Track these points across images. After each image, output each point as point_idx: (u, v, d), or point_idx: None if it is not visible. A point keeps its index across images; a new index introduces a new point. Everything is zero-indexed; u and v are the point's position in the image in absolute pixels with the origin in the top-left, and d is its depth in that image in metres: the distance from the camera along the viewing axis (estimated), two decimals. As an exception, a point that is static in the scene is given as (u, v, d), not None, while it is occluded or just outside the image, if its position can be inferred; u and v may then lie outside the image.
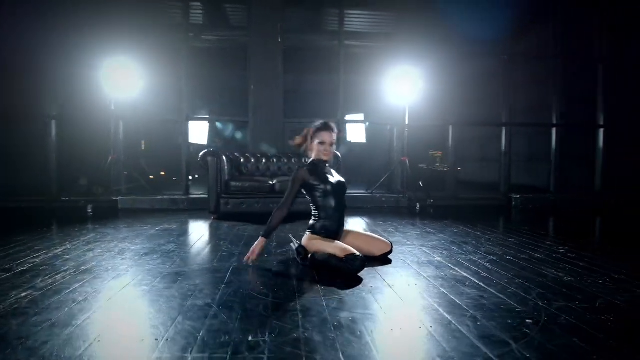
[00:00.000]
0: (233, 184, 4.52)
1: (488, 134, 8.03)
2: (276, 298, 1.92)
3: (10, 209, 5.11)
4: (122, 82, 5.24)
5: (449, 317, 1.69)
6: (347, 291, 2.02)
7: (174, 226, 4.04)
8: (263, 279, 2.26)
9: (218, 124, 5.79)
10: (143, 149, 7.31)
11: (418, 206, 5.10)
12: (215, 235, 3.56)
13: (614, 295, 1.99)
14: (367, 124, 7.77)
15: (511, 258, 2.76)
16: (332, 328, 1.57)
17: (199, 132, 9.92)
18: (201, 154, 4.55)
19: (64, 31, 5.41)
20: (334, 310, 1.77)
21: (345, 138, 10.09)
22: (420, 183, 5.72)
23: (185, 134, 5.70)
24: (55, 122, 5.65)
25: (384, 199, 5.71)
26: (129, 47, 5.51)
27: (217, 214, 4.56)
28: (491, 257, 2.80)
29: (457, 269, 2.52)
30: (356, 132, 10.14)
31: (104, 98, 5.38)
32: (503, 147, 6.28)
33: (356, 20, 6.12)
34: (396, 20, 6.09)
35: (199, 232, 3.71)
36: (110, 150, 5.39)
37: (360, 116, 9.15)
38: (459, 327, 1.59)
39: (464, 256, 2.84)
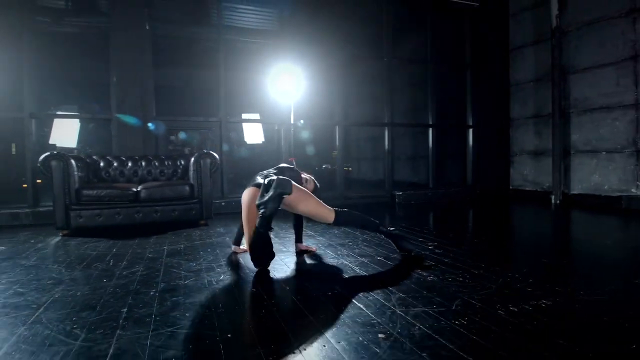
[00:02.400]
0: (85, 192, 3.82)
1: (381, 134, 8.36)
2: (86, 341, 1.49)
3: None
4: None
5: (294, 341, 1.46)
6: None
7: (3, 247, 3.24)
8: (79, 314, 1.78)
9: (150, 125, 4.92)
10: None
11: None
12: (49, 257, 2.90)
13: (471, 294, 1.97)
14: (254, 123, 7.45)
15: (382, 259, 2.68)
16: None
17: (66, 133, 8.55)
18: (42, 157, 3.75)
19: None
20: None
21: (243, 138, 9.67)
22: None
23: (30, 134, 4.72)
24: None
25: (271, 202, 5.45)
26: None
27: (67, 229, 3.81)
28: (363, 259, 2.69)
29: (324, 275, 2.34)
30: (253, 133, 9.80)
31: None
32: (386, 146, 6.48)
33: (237, 14, 5.75)
34: (279, 19, 5.87)
35: (29, 255, 2.99)
36: None
37: (256, 115, 8.82)
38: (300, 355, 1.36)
39: (336, 260, 2.69)
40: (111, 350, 1.41)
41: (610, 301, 1.85)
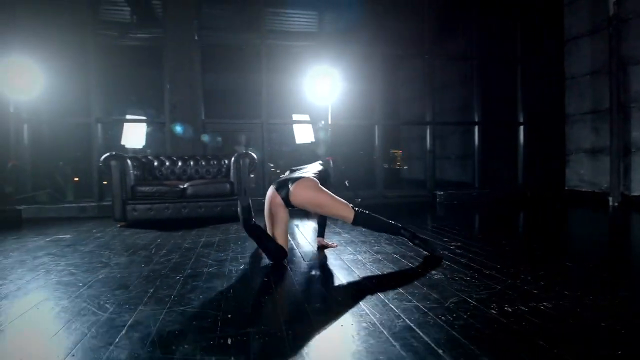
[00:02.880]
0: (139, 188, 4.28)
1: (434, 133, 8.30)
2: (113, 313, 1.77)
3: None
4: (25, 83, 4.84)
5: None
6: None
7: (69, 236, 3.76)
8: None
9: (178, 128, 5.46)
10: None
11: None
12: (103, 245, 3.32)
13: (471, 293, 1.99)
14: (295, 124, 7.65)
15: (397, 256, 2.74)
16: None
17: (135, 135, 9.44)
18: (103, 157, 4.28)
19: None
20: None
21: (289, 138, 9.99)
22: (347, 182, 5.70)
23: (96, 137, 5.35)
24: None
25: (309, 200, 5.65)
26: (30, 45, 5.11)
27: (124, 221, 4.30)
28: (378, 255, 2.77)
29: (335, 269, 2.46)
30: (304, 133, 10.06)
31: (3, 100, 4.94)
32: (428, 145, 6.40)
33: (278, 18, 6.02)
34: (320, 21, 6.04)
35: (88, 243, 3.45)
36: (10, 156, 4.95)
37: (305, 116, 9.07)
38: None
39: (352, 256, 2.79)
40: (130, 322, 1.66)
41: (616, 307, 1.78)
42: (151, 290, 2.08)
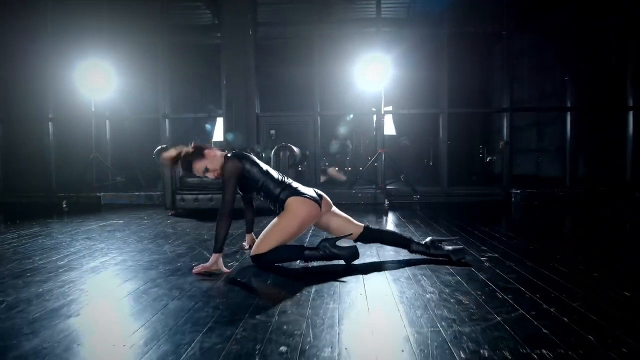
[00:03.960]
0: (186, 179, 4.48)
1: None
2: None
3: (11, 203, 5.56)
4: (104, 83, 5.45)
5: None
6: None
7: (121, 221, 4.09)
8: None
9: (229, 136, 5.76)
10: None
11: (387, 203, 4.67)
12: (139, 232, 3.52)
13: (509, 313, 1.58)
14: (351, 115, 7.21)
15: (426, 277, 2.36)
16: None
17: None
18: (157, 149, 4.56)
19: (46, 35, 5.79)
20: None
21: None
22: (402, 177, 5.26)
23: (164, 130, 5.78)
24: (52, 123, 6.05)
25: (360, 195, 5.35)
26: (108, 49, 5.73)
27: (174, 209, 4.56)
28: (391, 252, 2.42)
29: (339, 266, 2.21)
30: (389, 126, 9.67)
31: (87, 99, 5.63)
32: (505, 136, 5.56)
33: (334, 7, 5.77)
34: (376, 3, 5.62)
35: (133, 227, 3.70)
36: (92, 149, 5.62)
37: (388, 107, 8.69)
38: None
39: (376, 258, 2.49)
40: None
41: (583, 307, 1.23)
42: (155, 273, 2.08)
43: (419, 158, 6.63)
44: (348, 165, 6.73)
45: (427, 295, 1.81)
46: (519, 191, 5.26)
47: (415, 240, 2.52)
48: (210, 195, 4.48)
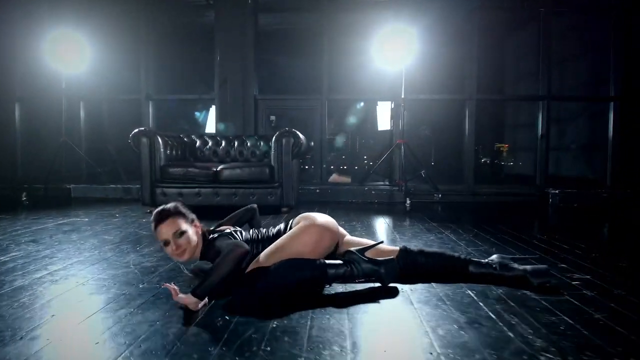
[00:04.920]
0: (169, 170, 3.71)
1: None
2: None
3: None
4: (77, 57, 4.63)
5: None
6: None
7: (86, 219, 3.32)
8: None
9: (220, 125, 5.00)
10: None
11: (409, 202, 3.94)
12: (106, 232, 2.75)
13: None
14: (362, 103, 6.43)
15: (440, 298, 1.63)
16: None
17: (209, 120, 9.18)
18: (133, 133, 3.78)
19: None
20: None
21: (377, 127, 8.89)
22: (423, 173, 4.53)
23: (147, 114, 5.00)
24: (19, 104, 5.24)
25: (374, 192, 4.60)
26: (85, 16, 4.92)
27: (153, 205, 3.78)
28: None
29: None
30: (384, 119, 8.85)
31: (56, 75, 4.81)
32: (539, 129, 4.85)
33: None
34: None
35: (98, 227, 2.93)
36: (62, 133, 4.80)
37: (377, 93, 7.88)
38: None
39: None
40: None
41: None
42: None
43: (438, 152, 5.88)
44: (354, 161, 5.97)
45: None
46: (557, 191, 4.55)
47: (475, 260, 1.80)
48: (197, 189, 3.72)
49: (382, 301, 1.52)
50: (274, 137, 3.75)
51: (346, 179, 5.81)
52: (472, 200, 4.69)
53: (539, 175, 4.87)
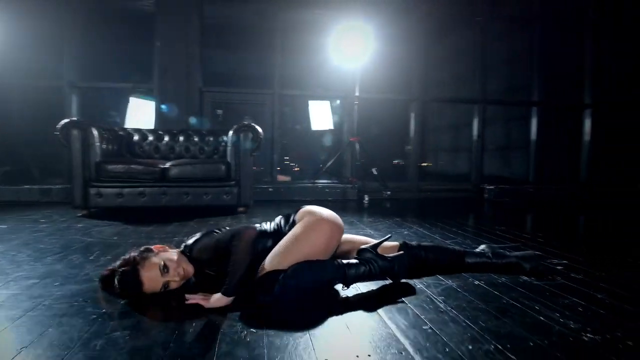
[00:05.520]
0: (107, 167, 3.25)
1: (463, 121, 7.01)
2: None
3: None
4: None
5: None
6: None
7: (5, 226, 2.75)
8: None
9: (163, 106, 4.45)
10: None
11: (367, 199, 3.96)
12: (35, 242, 2.29)
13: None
14: (327, 101, 6.38)
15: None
16: None
17: (142, 116, 8.21)
18: (61, 124, 3.24)
19: None
20: None
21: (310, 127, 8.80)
22: (374, 170, 4.59)
23: (69, 104, 4.35)
24: None
25: (327, 190, 4.55)
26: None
27: (86, 208, 3.28)
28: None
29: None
30: (321, 117, 8.71)
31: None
32: (475, 130, 5.22)
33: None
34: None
35: (25, 235, 2.43)
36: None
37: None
38: None
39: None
40: None
41: None
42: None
43: (385, 151, 6.02)
44: (304, 156, 5.89)
45: None
46: (492, 187, 4.93)
47: (469, 251, 1.83)
48: (141, 189, 3.31)
49: (405, 299, 1.45)
50: (231, 132, 3.49)
51: (286, 178, 5.69)
52: (418, 197, 4.87)
53: (474, 173, 5.24)
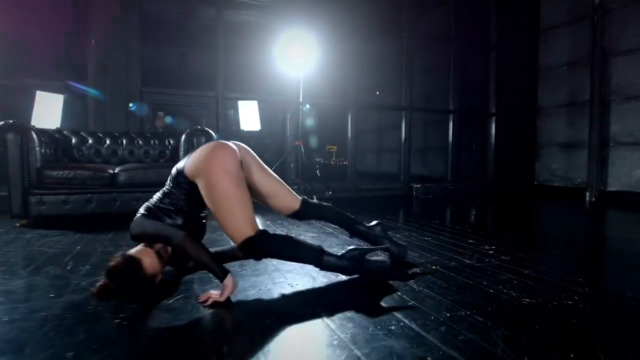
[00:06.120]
0: (49, 172, 3.07)
1: (389, 124, 7.62)
2: None
3: None
4: None
5: None
6: None
7: None
8: None
9: (131, 105, 4.13)
10: None
11: (315, 199, 4.23)
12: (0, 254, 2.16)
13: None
14: (255, 102, 6.51)
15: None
16: None
17: (49, 112, 7.46)
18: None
19: None
20: None
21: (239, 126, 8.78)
22: (318, 172, 4.89)
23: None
24: None
25: (274, 192, 4.74)
26: None
27: (26, 217, 3.07)
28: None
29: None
30: (250, 118, 8.74)
31: None
32: (403, 134, 5.80)
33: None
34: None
35: (-34, 251, 2.25)
36: None
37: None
38: None
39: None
40: None
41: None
42: (70, 355, 1.10)
43: (325, 153, 6.35)
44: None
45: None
46: (419, 186, 5.54)
47: (360, 221, 2.10)
48: (88, 195, 3.19)
49: (388, 284, 1.75)
50: (184, 136, 3.51)
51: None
52: (357, 196, 5.29)
53: (403, 173, 5.82)
